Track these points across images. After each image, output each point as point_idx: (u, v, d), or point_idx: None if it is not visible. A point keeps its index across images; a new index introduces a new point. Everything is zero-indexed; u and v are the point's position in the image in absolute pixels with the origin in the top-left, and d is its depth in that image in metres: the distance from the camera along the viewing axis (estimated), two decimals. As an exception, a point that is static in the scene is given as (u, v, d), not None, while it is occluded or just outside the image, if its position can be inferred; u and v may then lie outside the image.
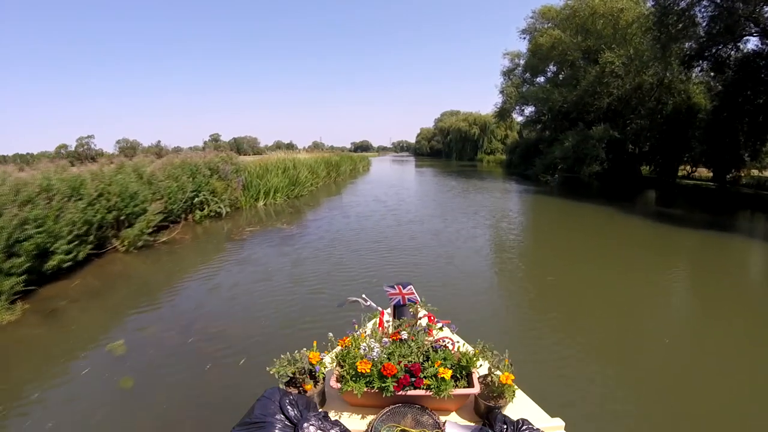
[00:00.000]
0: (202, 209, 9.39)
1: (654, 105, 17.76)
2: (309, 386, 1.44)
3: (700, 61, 15.39)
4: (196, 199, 9.21)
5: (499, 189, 17.46)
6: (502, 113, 30.44)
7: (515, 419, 1.29)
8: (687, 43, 14.95)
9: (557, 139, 19.77)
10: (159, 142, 64.69)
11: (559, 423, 1.36)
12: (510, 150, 35.96)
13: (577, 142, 17.89)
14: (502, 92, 29.15)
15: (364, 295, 1.97)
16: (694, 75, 17.27)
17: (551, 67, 25.09)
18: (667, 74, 16.88)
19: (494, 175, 26.45)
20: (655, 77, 17.36)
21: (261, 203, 11.58)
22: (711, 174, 19.10)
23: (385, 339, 1.56)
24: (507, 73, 29.51)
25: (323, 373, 1.51)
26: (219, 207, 9.61)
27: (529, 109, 27.57)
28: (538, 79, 26.90)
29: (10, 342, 3.72)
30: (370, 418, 1.36)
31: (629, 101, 18.56)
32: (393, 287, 1.83)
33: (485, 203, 12.75)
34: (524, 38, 25.60)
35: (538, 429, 1.26)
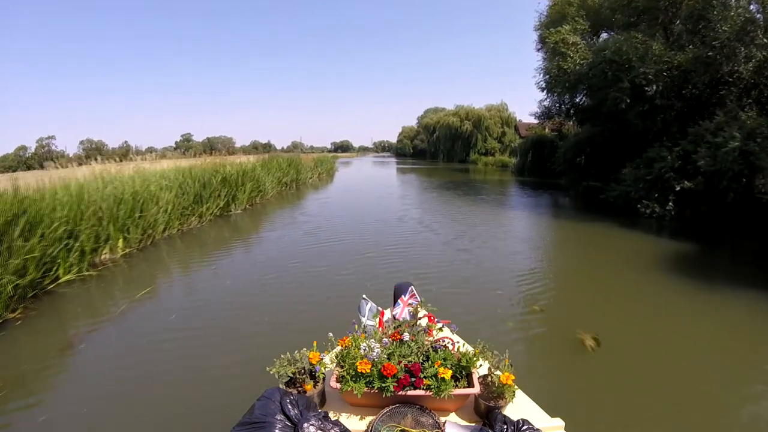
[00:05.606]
0: None
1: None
2: (309, 386, 1.44)
3: None
4: None
5: (598, 251, 7.21)
6: (554, 81, 14.27)
7: (515, 419, 1.29)
8: None
9: (668, 133, 11.04)
10: (125, 142, 58.62)
11: (559, 423, 1.36)
12: (523, 151, 25.03)
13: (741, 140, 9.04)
14: (555, 44, 13.86)
15: (364, 296, 1.97)
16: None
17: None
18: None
19: (513, 188, 17.84)
20: None
21: None
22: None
23: (385, 339, 1.56)
24: (549, 26, 15.42)
25: (323, 373, 1.51)
26: None
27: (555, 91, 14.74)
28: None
29: None
30: (370, 418, 1.36)
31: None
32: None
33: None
34: None
35: (538, 429, 1.26)
